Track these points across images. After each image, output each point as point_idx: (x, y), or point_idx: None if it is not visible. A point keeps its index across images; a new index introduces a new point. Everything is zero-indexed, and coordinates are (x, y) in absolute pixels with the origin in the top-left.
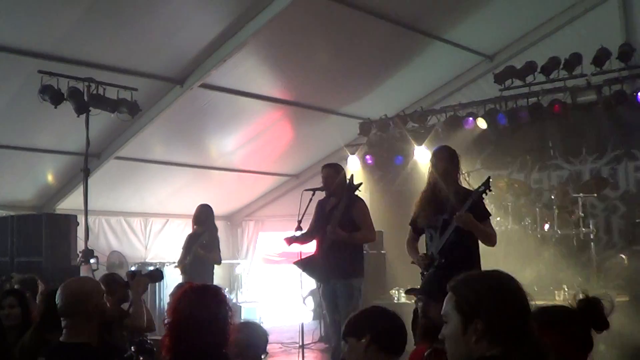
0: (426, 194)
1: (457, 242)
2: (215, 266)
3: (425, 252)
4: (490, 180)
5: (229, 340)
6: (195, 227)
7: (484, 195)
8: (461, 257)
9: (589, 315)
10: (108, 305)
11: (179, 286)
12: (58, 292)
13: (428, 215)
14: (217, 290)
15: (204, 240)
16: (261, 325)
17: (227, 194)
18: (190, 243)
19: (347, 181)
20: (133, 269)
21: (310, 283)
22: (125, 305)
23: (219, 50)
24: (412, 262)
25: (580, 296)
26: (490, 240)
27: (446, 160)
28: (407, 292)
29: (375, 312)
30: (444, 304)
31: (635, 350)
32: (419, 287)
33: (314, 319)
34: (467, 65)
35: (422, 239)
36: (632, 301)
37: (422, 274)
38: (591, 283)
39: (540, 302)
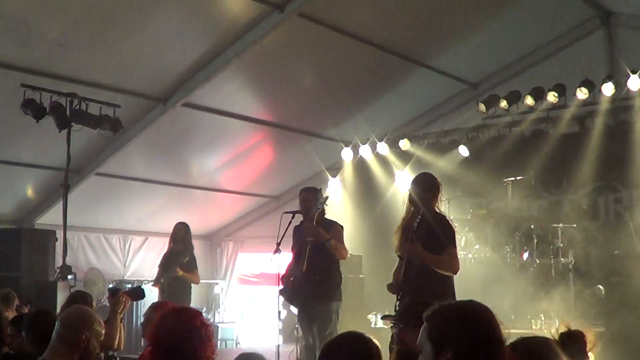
0: (402, 222)
1: (420, 270)
2: (193, 285)
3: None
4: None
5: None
6: (172, 244)
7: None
8: (426, 282)
9: (570, 348)
10: (97, 347)
11: (154, 306)
12: (63, 315)
13: (399, 243)
14: (197, 314)
15: (183, 260)
16: (261, 355)
17: (207, 213)
18: (168, 262)
19: (316, 198)
20: (111, 285)
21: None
22: None
23: (203, 69)
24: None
25: (563, 328)
26: (444, 268)
27: (420, 187)
28: (383, 317)
29: (350, 339)
30: (420, 333)
31: None
32: (394, 313)
33: (283, 341)
34: (450, 92)
35: None
36: (607, 333)
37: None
38: (569, 313)
39: (517, 331)
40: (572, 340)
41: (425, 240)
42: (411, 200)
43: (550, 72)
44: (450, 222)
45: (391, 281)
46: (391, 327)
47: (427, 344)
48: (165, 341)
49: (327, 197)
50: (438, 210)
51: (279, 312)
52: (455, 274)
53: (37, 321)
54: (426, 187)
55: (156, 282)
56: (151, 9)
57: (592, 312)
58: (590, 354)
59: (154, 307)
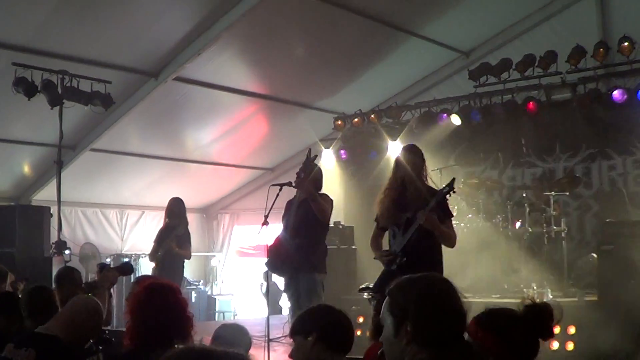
0: (390, 191)
1: (419, 241)
2: (187, 260)
3: (387, 249)
4: (455, 181)
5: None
6: (167, 220)
7: (447, 196)
8: (423, 256)
9: (534, 322)
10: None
11: (137, 281)
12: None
13: (392, 213)
14: (172, 290)
15: (179, 233)
16: (242, 326)
17: (203, 186)
18: (163, 236)
19: (306, 156)
20: (108, 260)
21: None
22: None
23: (194, 43)
24: (375, 258)
25: (528, 302)
26: (450, 241)
27: (416, 156)
28: (360, 290)
29: (321, 310)
30: (382, 306)
31: (604, 349)
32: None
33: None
34: (442, 61)
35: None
36: (601, 300)
37: (384, 270)
38: (562, 282)
39: (509, 301)
40: (536, 315)
41: (427, 212)
42: (405, 169)
43: (542, 39)
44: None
45: (376, 251)
46: (369, 299)
47: (388, 317)
48: (141, 316)
49: (316, 156)
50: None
51: (262, 285)
52: (453, 247)
53: (34, 296)
54: (421, 157)
55: (152, 256)
56: None
57: (585, 281)
58: (555, 330)
59: (137, 281)
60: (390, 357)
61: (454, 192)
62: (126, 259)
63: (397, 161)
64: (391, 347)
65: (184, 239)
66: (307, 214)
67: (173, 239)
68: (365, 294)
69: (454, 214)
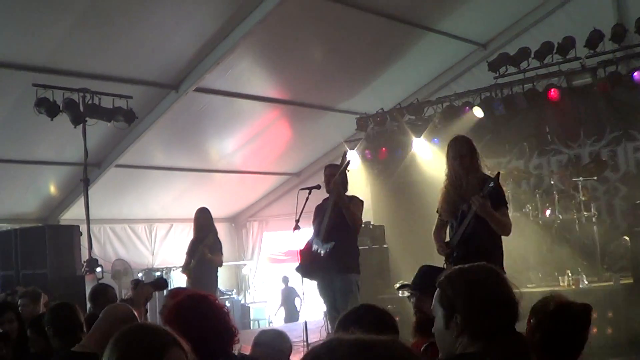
0: (447, 185)
1: (474, 231)
2: (219, 269)
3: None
4: (500, 176)
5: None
6: (196, 232)
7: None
8: (480, 245)
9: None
10: None
11: (170, 294)
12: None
13: (450, 207)
14: (210, 301)
15: (209, 242)
16: (281, 331)
17: (230, 195)
18: (194, 248)
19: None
20: (140, 275)
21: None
22: None
23: (212, 53)
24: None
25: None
26: (505, 229)
27: (463, 147)
28: (399, 287)
29: (365, 311)
30: (433, 298)
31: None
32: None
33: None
34: (461, 54)
35: None
36: (636, 283)
37: (445, 262)
38: (595, 267)
39: (544, 289)
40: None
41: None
42: (456, 161)
43: (559, 26)
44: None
45: (437, 242)
46: (408, 296)
47: (439, 310)
48: (181, 329)
49: (349, 161)
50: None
51: (282, 292)
52: (508, 235)
53: (55, 314)
54: (469, 146)
55: (184, 269)
56: None
57: (619, 264)
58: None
59: (170, 294)
60: (442, 349)
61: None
62: (157, 273)
63: (446, 156)
64: (443, 338)
65: (215, 248)
66: (340, 217)
67: (205, 246)
68: (405, 291)
69: None
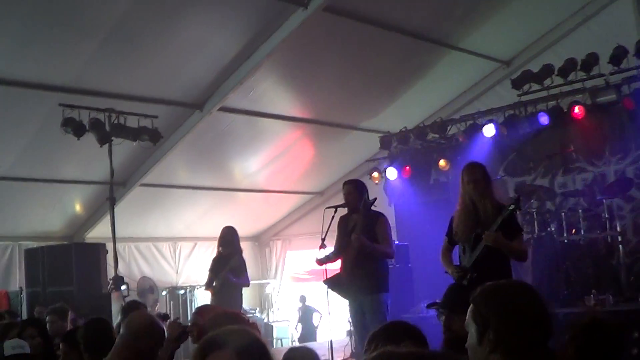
0: (461, 208)
1: (487, 257)
2: (243, 288)
3: (458, 264)
4: (521, 200)
5: None
6: (220, 249)
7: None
8: (492, 270)
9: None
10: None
11: (198, 311)
12: (128, 319)
13: (465, 230)
14: (242, 318)
15: (234, 265)
16: (310, 349)
17: (253, 214)
18: (218, 266)
19: (363, 199)
20: (164, 293)
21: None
22: None
23: (235, 73)
24: (446, 273)
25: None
26: (520, 256)
27: (477, 174)
28: (428, 306)
29: (394, 328)
30: (467, 313)
31: None
32: (439, 301)
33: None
34: (484, 72)
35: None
36: None
37: (451, 285)
38: (621, 286)
39: (569, 309)
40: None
41: (498, 230)
42: (471, 187)
43: (582, 42)
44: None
45: (448, 266)
46: (437, 315)
47: (472, 326)
48: None
49: (375, 199)
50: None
51: (299, 311)
52: (525, 261)
53: (90, 328)
54: (482, 173)
55: (208, 286)
56: (178, 18)
57: None
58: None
59: (199, 311)
60: None
61: (520, 209)
62: (182, 292)
63: (461, 180)
64: (475, 354)
65: (240, 269)
66: (367, 236)
67: (228, 270)
68: (434, 309)
69: None
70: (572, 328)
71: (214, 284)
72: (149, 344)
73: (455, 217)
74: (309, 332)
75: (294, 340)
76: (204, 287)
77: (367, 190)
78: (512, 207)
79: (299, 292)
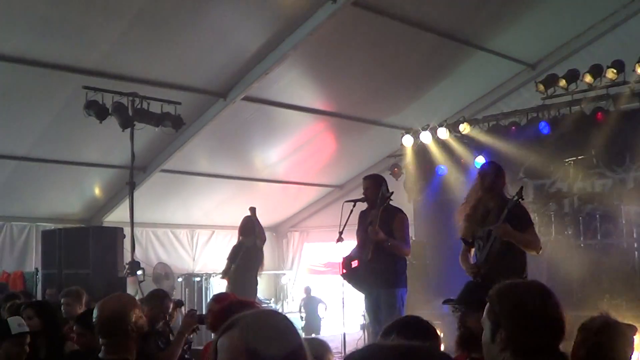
0: (465, 208)
1: (501, 251)
2: (259, 278)
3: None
4: (523, 189)
5: None
6: (241, 237)
7: (520, 201)
8: (505, 265)
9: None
10: (144, 319)
11: (215, 298)
12: (95, 312)
13: (471, 228)
14: (253, 306)
15: (246, 247)
16: (324, 340)
17: (272, 205)
18: (236, 254)
19: (380, 192)
20: (180, 279)
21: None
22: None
23: (261, 63)
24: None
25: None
26: (531, 247)
27: (492, 176)
28: (445, 302)
29: (407, 322)
30: (484, 311)
31: None
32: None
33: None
34: (509, 74)
35: None
36: None
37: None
38: (635, 292)
39: (584, 313)
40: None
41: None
42: (483, 187)
43: (608, 49)
44: (523, 205)
45: (464, 265)
46: (453, 311)
47: (487, 323)
48: None
49: (392, 192)
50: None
51: (301, 303)
52: (539, 252)
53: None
54: (496, 171)
55: (224, 274)
56: (206, 6)
57: None
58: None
59: (215, 299)
60: None
61: (522, 199)
62: (197, 279)
63: (475, 178)
64: (488, 351)
65: (256, 257)
66: (384, 231)
67: (243, 254)
68: (449, 305)
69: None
70: (584, 330)
71: (231, 269)
72: (128, 321)
73: (457, 213)
74: (313, 323)
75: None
76: (221, 276)
77: (386, 185)
78: (515, 197)
79: (315, 284)
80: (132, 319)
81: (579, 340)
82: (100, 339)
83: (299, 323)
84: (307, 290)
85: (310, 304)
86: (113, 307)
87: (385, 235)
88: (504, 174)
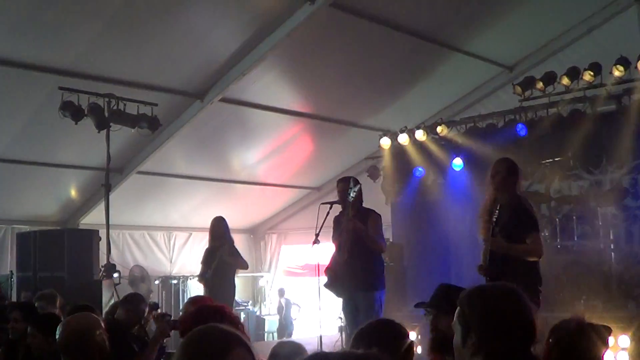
0: (481, 206)
1: (503, 254)
2: (237, 279)
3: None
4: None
5: None
6: (211, 241)
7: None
8: (508, 264)
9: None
10: (107, 343)
11: (190, 301)
12: (58, 329)
13: (482, 226)
14: (223, 312)
15: (223, 253)
16: (299, 343)
17: (250, 207)
18: (209, 257)
19: (348, 188)
20: (157, 282)
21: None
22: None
23: (238, 64)
24: None
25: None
26: (531, 255)
27: (502, 167)
28: (417, 305)
29: (379, 325)
30: (454, 315)
31: None
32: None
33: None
34: (486, 76)
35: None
36: None
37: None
38: (611, 293)
39: (560, 315)
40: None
41: (510, 227)
42: (494, 184)
43: (585, 51)
44: (531, 206)
45: (480, 263)
46: (425, 314)
47: (457, 327)
48: None
49: (359, 186)
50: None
51: (279, 305)
52: (540, 258)
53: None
54: (507, 169)
55: (200, 278)
56: (184, 6)
57: (636, 292)
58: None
59: (190, 302)
60: None
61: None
62: (175, 281)
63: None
64: (460, 355)
65: (233, 252)
66: (354, 237)
67: (225, 250)
68: (422, 309)
69: None
70: (557, 332)
71: (206, 276)
72: (91, 341)
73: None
74: (286, 325)
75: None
76: (197, 279)
77: (355, 182)
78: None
79: (292, 286)
80: (95, 339)
81: (553, 343)
82: (62, 356)
83: (275, 326)
84: (281, 292)
85: (284, 306)
86: (77, 327)
87: (361, 225)
88: (517, 170)
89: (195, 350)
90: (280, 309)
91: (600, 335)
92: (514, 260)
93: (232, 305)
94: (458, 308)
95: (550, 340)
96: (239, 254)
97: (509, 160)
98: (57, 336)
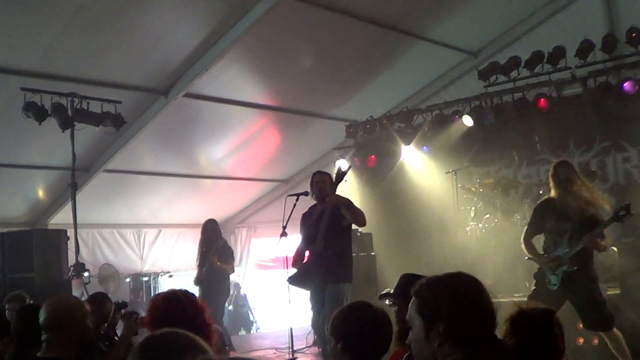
0: (552, 202)
1: (582, 253)
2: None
3: (543, 253)
4: (631, 206)
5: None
6: (204, 244)
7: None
8: (584, 263)
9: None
10: (91, 326)
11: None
12: (43, 306)
13: (556, 224)
14: (186, 296)
15: (217, 246)
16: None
17: (218, 201)
18: (202, 261)
19: (338, 168)
20: (127, 279)
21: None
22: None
23: (201, 59)
24: (529, 259)
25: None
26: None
27: (567, 170)
28: (381, 297)
29: (356, 308)
30: (409, 308)
31: (629, 342)
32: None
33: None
34: (451, 63)
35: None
36: (623, 294)
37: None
38: None
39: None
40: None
41: None
42: (563, 182)
43: (550, 35)
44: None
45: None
46: (390, 306)
47: (417, 319)
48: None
49: (349, 167)
50: None
51: (231, 299)
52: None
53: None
54: (573, 170)
55: (196, 281)
56: (143, 3)
57: (606, 275)
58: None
59: (154, 299)
60: (421, 358)
61: (631, 215)
62: (145, 278)
63: (553, 174)
64: (422, 349)
65: (225, 254)
66: (330, 226)
67: (214, 252)
68: (386, 300)
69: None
70: (506, 320)
71: (201, 279)
72: (74, 320)
73: (543, 207)
74: (241, 320)
75: (258, 328)
76: (194, 282)
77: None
78: (622, 212)
79: (264, 280)
80: (79, 319)
81: (505, 332)
82: (43, 335)
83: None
84: (237, 287)
85: (238, 301)
86: (64, 304)
87: (345, 198)
88: (575, 171)
89: (149, 355)
90: (234, 303)
91: (541, 319)
92: (588, 259)
93: (223, 307)
94: (415, 299)
95: (504, 328)
96: (230, 257)
97: (567, 163)
98: (40, 314)
